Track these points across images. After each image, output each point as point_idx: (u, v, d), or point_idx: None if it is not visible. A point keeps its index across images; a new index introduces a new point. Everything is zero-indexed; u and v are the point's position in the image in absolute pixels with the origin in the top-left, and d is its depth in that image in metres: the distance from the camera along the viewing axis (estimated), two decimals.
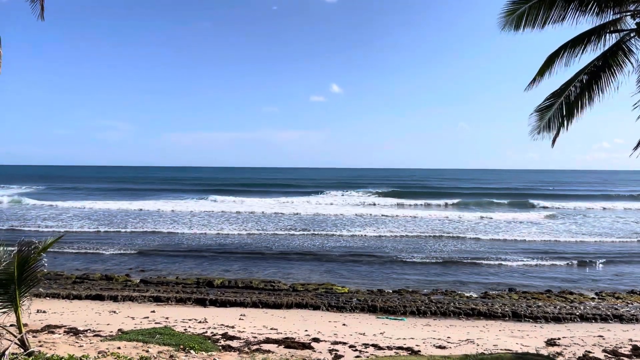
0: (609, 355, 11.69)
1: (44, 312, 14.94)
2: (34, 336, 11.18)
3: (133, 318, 14.55)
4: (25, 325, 9.55)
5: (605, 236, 33.74)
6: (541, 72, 11.78)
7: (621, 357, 11.51)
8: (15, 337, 7.77)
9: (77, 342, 10.87)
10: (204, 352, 10.62)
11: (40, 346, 9.93)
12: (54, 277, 20.16)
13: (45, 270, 8.39)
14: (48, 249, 8.23)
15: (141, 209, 48.67)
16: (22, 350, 7.69)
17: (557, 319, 15.55)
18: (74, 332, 12.27)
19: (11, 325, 9.54)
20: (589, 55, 11.19)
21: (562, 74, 11.48)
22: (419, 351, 11.66)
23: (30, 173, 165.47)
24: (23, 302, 8.09)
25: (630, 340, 13.14)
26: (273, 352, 11.09)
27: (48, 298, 17.22)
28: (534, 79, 11.94)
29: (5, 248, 8.20)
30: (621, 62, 11.02)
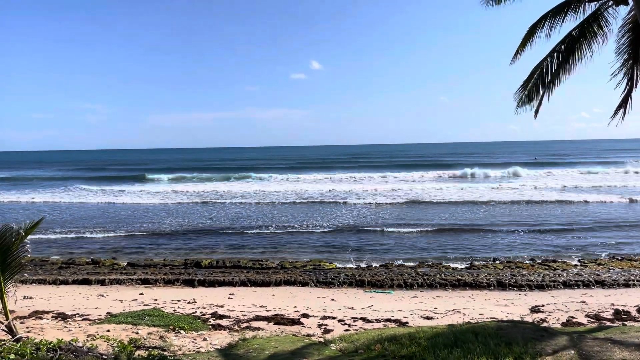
0: (592, 320, 11.98)
1: (31, 298, 14.84)
2: (21, 322, 11.14)
3: (121, 301, 14.52)
4: (12, 312, 9.47)
5: None
6: (523, 44, 11.76)
7: (603, 322, 11.80)
8: (2, 324, 7.71)
9: (65, 327, 10.85)
10: (194, 332, 10.68)
11: (28, 332, 9.90)
12: (40, 263, 19.99)
13: (29, 256, 8.27)
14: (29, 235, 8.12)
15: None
16: (10, 336, 7.64)
17: (540, 287, 15.85)
18: (62, 317, 12.23)
19: None
20: (568, 24, 11.19)
21: (543, 45, 11.48)
22: (407, 323, 11.84)
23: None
24: (8, 288, 8.00)
25: (612, 304, 13.47)
26: (263, 329, 11.19)
27: (34, 284, 17.08)
28: (517, 52, 11.93)
29: None
30: (598, 32, 11.04)
